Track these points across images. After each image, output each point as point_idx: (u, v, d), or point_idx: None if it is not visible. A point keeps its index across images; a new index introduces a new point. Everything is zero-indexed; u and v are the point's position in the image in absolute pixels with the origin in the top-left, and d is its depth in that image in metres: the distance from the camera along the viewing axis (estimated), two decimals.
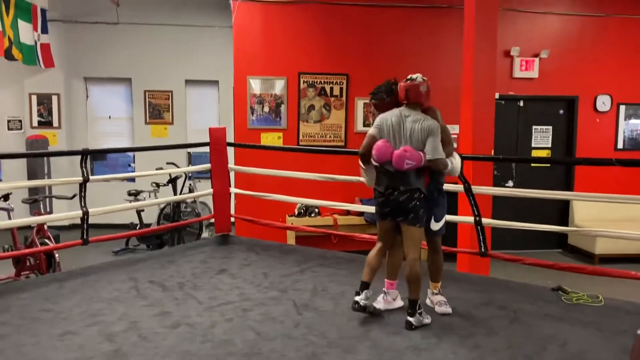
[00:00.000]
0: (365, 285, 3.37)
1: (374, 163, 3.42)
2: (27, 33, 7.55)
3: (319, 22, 7.06)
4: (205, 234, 7.59)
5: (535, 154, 7.68)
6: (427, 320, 3.31)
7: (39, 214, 5.87)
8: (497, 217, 4.61)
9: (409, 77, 3.56)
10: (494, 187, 5.65)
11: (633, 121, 7.75)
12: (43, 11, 8.17)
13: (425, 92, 3.53)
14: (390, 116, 3.44)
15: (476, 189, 4.26)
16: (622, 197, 4.07)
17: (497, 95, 6.27)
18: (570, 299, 3.75)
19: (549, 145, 7.70)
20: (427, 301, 3.68)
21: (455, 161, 3.51)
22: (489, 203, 5.06)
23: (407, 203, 3.30)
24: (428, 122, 3.36)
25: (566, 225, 7.52)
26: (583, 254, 7.34)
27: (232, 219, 5.80)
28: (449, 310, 3.54)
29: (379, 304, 3.53)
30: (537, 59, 7.40)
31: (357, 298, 3.35)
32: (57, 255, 5.35)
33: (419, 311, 3.26)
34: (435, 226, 3.57)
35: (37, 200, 6.11)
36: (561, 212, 7.74)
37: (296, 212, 6.85)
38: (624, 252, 6.98)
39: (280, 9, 6.97)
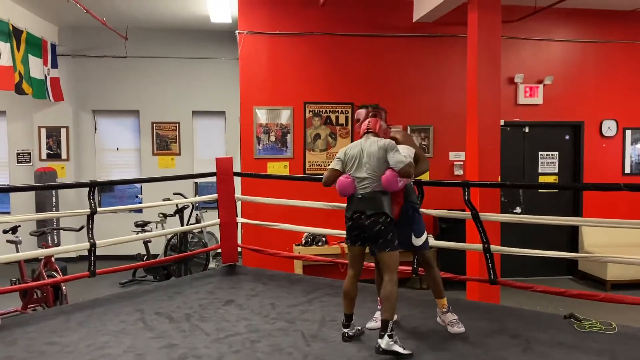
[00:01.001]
0: (349, 318, 3.51)
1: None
2: (37, 68, 7.69)
3: (324, 52, 7.16)
4: (212, 265, 7.56)
5: (542, 179, 7.66)
6: (400, 349, 3.17)
7: (47, 246, 5.87)
8: (506, 244, 4.58)
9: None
10: (502, 213, 5.61)
11: None
12: (53, 46, 8.34)
13: (385, 128, 3.69)
14: (351, 147, 3.58)
15: (484, 215, 4.24)
16: (633, 222, 4.04)
17: (502, 122, 6.27)
18: (583, 326, 3.69)
19: (556, 171, 7.68)
20: (439, 320, 3.73)
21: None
22: (497, 230, 5.03)
23: (373, 227, 3.34)
24: (383, 140, 3.50)
25: (576, 251, 7.45)
26: (594, 280, 7.24)
27: (239, 249, 5.78)
28: (462, 329, 3.57)
29: (374, 321, 3.63)
30: (541, 86, 7.44)
31: (345, 330, 3.49)
32: (64, 287, 5.34)
33: (389, 333, 3.18)
34: (418, 241, 3.68)
35: (44, 232, 6.12)
36: (570, 237, 7.67)
37: (303, 241, 6.83)
38: (636, 278, 6.88)
39: (285, 40, 7.08)
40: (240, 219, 5.85)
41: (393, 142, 3.51)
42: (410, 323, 3.83)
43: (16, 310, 5.36)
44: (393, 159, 3.38)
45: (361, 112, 3.82)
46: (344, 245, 6.73)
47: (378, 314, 3.64)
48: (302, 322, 3.87)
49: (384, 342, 3.17)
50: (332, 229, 5.42)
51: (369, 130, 3.58)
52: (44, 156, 8.83)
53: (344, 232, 4.97)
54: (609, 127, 7.63)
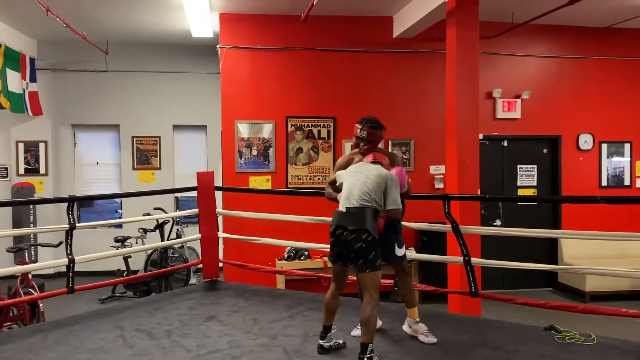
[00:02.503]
0: (327, 330, 3.52)
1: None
2: (15, 82, 7.60)
3: (305, 67, 7.21)
4: (193, 280, 7.49)
5: (521, 192, 7.76)
6: None
7: (24, 262, 5.77)
8: (486, 256, 4.61)
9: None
10: (482, 226, 5.67)
11: (615, 159, 7.90)
12: (32, 60, 8.26)
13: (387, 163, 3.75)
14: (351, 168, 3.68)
15: (464, 228, 4.27)
16: (610, 234, 4.10)
17: (481, 136, 6.38)
18: (563, 338, 3.73)
19: (535, 184, 7.79)
20: (407, 329, 3.81)
21: None
22: (477, 242, 5.08)
23: (354, 244, 3.27)
24: (385, 171, 3.54)
25: (555, 263, 7.54)
26: (574, 292, 7.33)
27: (221, 264, 5.75)
28: (434, 340, 3.64)
29: (358, 329, 3.67)
30: (519, 100, 7.57)
31: (321, 342, 3.51)
32: (41, 304, 5.23)
33: (368, 356, 3.16)
34: (400, 252, 3.75)
35: (21, 248, 6.00)
36: (550, 250, 7.76)
37: (285, 256, 6.80)
38: (614, 290, 6.98)
39: (266, 55, 7.12)
40: (221, 234, 5.82)
41: (396, 177, 3.49)
42: (392, 336, 3.83)
43: None
44: (390, 197, 3.39)
45: (366, 130, 3.77)
46: (327, 259, 6.75)
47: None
48: (284, 338, 3.84)
49: None
50: (315, 243, 5.41)
51: (376, 162, 3.57)
52: (21, 171, 8.69)
53: (326, 246, 5.03)
54: (586, 141, 7.78)
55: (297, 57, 7.18)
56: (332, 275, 3.58)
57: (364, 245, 3.26)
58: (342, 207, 3.41)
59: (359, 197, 3.36)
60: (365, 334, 3.22)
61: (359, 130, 3.77)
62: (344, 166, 3.78)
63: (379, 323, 3.55)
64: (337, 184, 3.65)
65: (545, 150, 7.85)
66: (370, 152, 3.69)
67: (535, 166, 7.80)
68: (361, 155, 3.76)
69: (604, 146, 7.85)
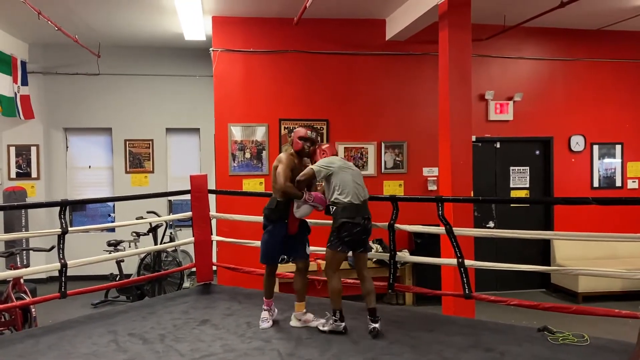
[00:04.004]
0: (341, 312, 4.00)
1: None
2: (6, 85, 7.56)
3: (298, 70, 7.22)
4: (186, 284, 7.46)
5: (514, 194, 7.79)
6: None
7: (16, 267, 5.71)
8: (480, 258, 4.63)
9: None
10: (475, 228, 5.69)
11: (607, 160, 7.95)
12: (23, 63, 8.21)
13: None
14: (337, 163, 4.12)
15: (457, 230, 4.29)
16: (602, 235, 4.13)
17: (473, 138, 6.40)
18: (557, 339, 3.74)
19: (527, 185, 7.83)
20: (298, 323, 4.16)
21: None
22: (471, 244, 5.09)
23: (370, 230, 4.04)
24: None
25: (548, 264, 7.58)
26: (566, 292, 7.36)
27: (214, 268, 5.73)
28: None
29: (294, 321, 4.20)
30: (511, 102, 7.61)
31: (343, 324, 3.96)
32: (33, 309, 5.19)
33: (379, 317, 3.88)
34: (309, 250, 4.37)
35: (13, 253, 5.95)
36: (543, 251, 7.80)
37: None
38: (606, 290, 7.02)
39: (259, 58, 7.12)
40: (215, 237, 5.80)
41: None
42: (386, 339, 3.83)
43: None
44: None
45: (315, 133, 4.28)
46: (320, 262, 6.74)
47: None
48: (278, 341, 3.84)
49: (379, 325, 3.86)
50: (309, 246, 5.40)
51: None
52: (13, 175, 8.63)
53: (321, 248, 5.10)
54: (577, 143, 7.83)
55: (290, 59, 7.19)
56: (337, 265, 4.04)
57: (371, 230, 4.02)
58: (355, 200, 3.93)
59: (363, 189, 4.02)
60: (374, 301, 3.93)
61: (309, 132, 4.23)
62: (298, 166, 4.17)
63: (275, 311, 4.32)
64: (319, 179, 4.05)
65: (537, 152, 7.89)
66: (315, 152, 4.21)
67: (528, 168, 7.84)
68: (305, 156, 4.25)
69: (596, 147, 7.90)
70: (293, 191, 4.05)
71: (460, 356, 3.47)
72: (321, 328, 4.03)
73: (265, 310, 4.25)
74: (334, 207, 3.99)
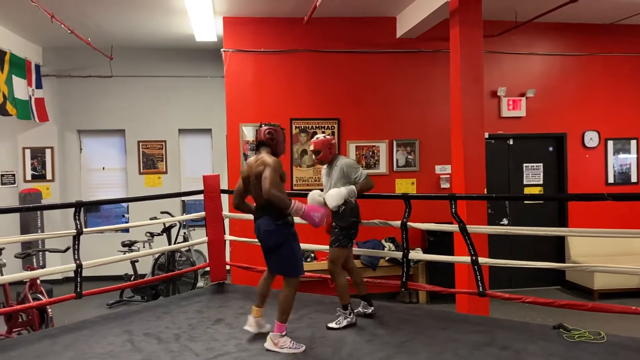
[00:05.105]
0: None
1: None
2: (21, 88, 7.65)
3: (309, 69, 7.22)
4: (200, 283, 7.50)
5: (527, 191, 7.73)
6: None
7: (32, 268, 5.78)
8: (494, 255, 4.60)
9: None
10: (489, 225, 5.65)
11: (622, 155, 7.86)
12: (37, 67, 8.30)
13: None
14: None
15: (471, 228, 4.26)
16: (618, 231, 4.08)
17: (486, 135, 6.36)
18: (572, 336, 3.71)
19: (541, 182, 7.76)
20: (250, 329, 3.90)
21: None
22: (484, 242, 5.06)
23: None
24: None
25: (563, 261, 7.51)
26: (582, 289, 7.29)
27: (228, 267, 5.75)
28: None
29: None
30: (523, 98, 7.55)
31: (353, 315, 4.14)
32: (50, 310, 5.26)
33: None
34: None
35: (29, 254, 6.03)
36: (557, 248, 7.73)
37: None
38: (623, 287, 6.94)
39: (270, 58, 7.13)
40: (228, 237, 5.83)
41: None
42: (399, 337, 3.82)
43: (1, 334, 5.26)
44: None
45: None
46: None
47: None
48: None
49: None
50: (321, 245, 5.41)
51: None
52: (28, 177, 8.73)
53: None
54: (591, 138, 7.74)
55: (301, 59, 7.19)
56: (341, 261, 4.22)
57: None
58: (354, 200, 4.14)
59: None
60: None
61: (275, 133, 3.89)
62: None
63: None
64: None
65: (550, 148, 7.82)
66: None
67: (541, 164, 7.77)
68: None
69: (610, 143, 7.81)
70: (278, 200, 3.54)
71: (475, 354, 3.46)
72: (336, 326, 4.04)
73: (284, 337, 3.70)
74: (343, 207, 4.06)
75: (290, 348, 3.57)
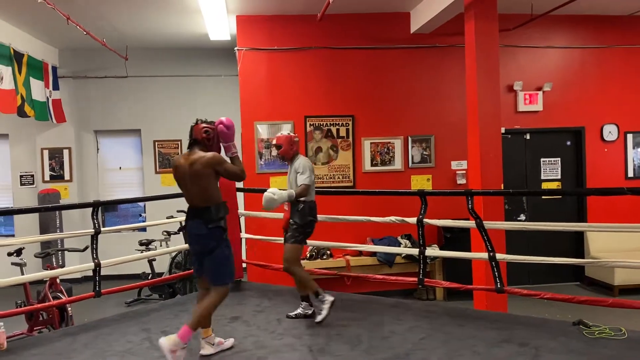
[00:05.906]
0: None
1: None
2: (39, 90, 7.74)
3: (323, 66, 7.20)
4: None
5: (545, 186, 7.64)
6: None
7: (51, 267, 5.86)
8: (511, 251, 4.56)
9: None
10: (506, 221, 5.60)
11: None
12: (54, 68, 8.40)
13: None
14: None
15: (488, 224, 4.23)
16: (638, 226, 4.02)
17: (503, 130, 6.28)
18: (592, 332, 3.66)
19: (559, 177, 7.66)
20: (207, 351, 3.58)
21: None
22: (502, 238, 5.02)
23: None
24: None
25: (582, 256, 7.41)
26: (602, 285, 7.19)
27: (244, 265, 5.77)
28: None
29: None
30: (540, 92, 7.46)
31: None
32: (69, 308, 5.32)
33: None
34: None
35: (49, 254, 6.11)
36: (576, 243, 7.63)
37: (308, 255, 6.81)
38: None
39: (283, 55, 7.13)
40: (244, 235, 5.85)
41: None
42: (417, 334, 3.80)
43: (22, 333, 5.34)
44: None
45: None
46: (349, 257, 6.74)
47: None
48: (308, 337, 3.84)
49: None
50: (337, 242, 5.41)
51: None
52: (47, 178, 8.85)
53: (349, 244, 5.18)
54: (610, 132, 7.62)
55: (314, 56, 7.18)
56: (296, 256, 4.24)
57: None
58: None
59: None
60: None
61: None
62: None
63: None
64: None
65: (568, 143, 7.72)
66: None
67: (559, 159, 7.67)
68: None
69: (630, 136, 7.68)
70: (242, 172, 3.70)
71: (493, 351, 3.43)
72: (322, 317, 4.07)
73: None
74: (302, 205, 4.18)
75: None
